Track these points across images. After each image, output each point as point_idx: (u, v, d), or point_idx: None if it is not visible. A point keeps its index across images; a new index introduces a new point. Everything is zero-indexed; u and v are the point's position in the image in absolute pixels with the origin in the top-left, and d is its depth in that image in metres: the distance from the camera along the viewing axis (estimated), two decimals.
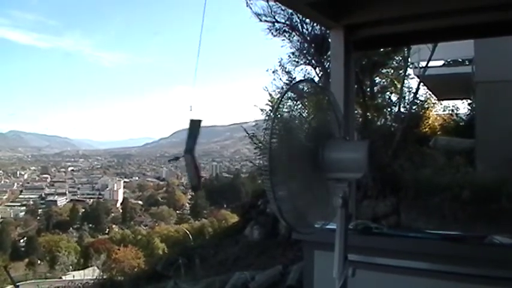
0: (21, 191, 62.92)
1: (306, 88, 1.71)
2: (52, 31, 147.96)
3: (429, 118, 10.74)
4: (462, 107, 11.76)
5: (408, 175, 6.44)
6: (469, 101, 10.96)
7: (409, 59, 9.16)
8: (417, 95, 9.52)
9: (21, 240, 44.42)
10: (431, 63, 8.68)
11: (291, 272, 5.38)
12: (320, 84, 7.04)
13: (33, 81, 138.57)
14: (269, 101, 9.69)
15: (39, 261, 36.33)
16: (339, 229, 1.59)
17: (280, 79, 9.59)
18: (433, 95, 11.80)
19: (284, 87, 9.06)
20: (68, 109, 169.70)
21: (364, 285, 1.83)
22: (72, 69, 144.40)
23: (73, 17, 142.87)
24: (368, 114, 8.79)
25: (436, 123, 11.15)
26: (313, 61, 8.94)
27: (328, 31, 3.90)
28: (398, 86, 9.25)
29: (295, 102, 1.57)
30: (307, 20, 8.14)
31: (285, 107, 1.53)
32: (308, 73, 9.39)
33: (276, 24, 8.71)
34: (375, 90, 9.50)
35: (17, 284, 14.89)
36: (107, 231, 48.54)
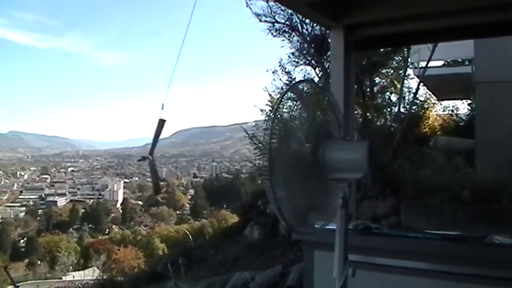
0: (21, 192, 62.92)
1: (305, 88, 1.71)
2: (52, 31, 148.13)
3: (429, 118, 10.76)
4: (462, 107, 11.79)
5: (408, 175, 6.44)
6: (469, 101, 10.96)
7: (409, 59, 9.16)
8: (417, 95, 9.55)
9: (21, 241, 44.42)
10: (431, 64, 8.69)
11: (291, 272, 5.38)
12: (320, 84, 7.03)
13: (34, 81, 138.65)
14: (269, 101, 9.71)
15: (39, 262, 36.30)
16: (339, 229, 1.59)
17: (280, 79, 9.62)
18: (433, 95, 11.81)
19: (284, 87, 9.06)
20: (68, 109, 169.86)
21: (364, 286, 1.83)
22: (72, 70, 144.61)
23: (73, 17, 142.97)
24: (368, 114, 8.80)
25: (436, 124, 11.16)
26: (313, 61, 8.95)
27: (328, 31, 3.90)
28: (398, 86, 9.26)
29: (295, 102, 1.57)
30: (307, 20, 8.15)
31: (284, 107, 1.53)
32: (308, 73, 9.42)
33: (275, 24, 8.73)
34: (375, 91, 9.52)
35: (17, 284, 14.90)
36: (106, 232, 48.53)
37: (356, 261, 1.66)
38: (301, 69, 9.52)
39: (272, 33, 8.85)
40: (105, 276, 10.29)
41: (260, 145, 8.75)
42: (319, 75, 8.79)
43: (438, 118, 11.56)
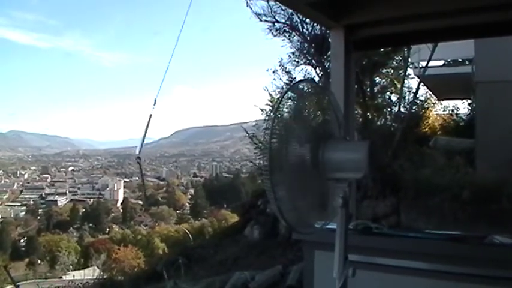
0: (22, 191, 62.93)
1: (306, 88, 1.71)
2: (52, 31, 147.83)
3: (429, 118, 10.76)
4: (462, 107, 11.78)
5: (408, 175, 6.44)
6: (469, 101, 10.96)
7: (409, 59, 9.16)
8: (417, 95, 9.54)
9: (22, 240, 44.46)
10: (431, 63, 8.69)
11: (291, 272, 5.38)
12: (320, 84, 7.04)
13: (34, 81, 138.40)
14: (269, 101, 9.71)
15: (39, 261, 36.39)
16: (339, 229, 1.59)
17: (280, 79, 9.61)
18: (433, 95, 11.81)
19: (284, 87, 9.07)
20: (68, 109, 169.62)
21: (364, 286, 1.83)
22: (72, 69, 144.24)
23: (73, 17, 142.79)
24: (368, 114, 8.80)
25: (436, 123, 11.16)
26: (313, 61, 8.94)
27: (328, 31, 3.90)
28: (399, 86, 9.25)
29: (295, 102, 1.57)
30: (308, 20, 8.15)
31: (285, 107, 1.53)
32: (308, 73, 9.41)
33: (276, 24, 8.72)
34: (375, 90, 9.51)
35: (17, 283, 14.90)
36: (107, 231, 48.58)
37: (356, 261, 1.67)
38: (302, 69, 9.52)
39: (272, 33, 8.85)
40: (105, 275, 10.28)
41: (260, 145, 8.75)
42: (320, 75, 8.78)
43: (438, 118, 11.56)
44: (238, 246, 7.59)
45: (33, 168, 72.54)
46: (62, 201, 59.26)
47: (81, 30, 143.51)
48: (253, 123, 10.31)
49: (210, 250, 7.89)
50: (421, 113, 10.19)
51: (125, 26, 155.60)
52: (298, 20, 8.44)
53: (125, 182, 65.49)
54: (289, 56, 9.41)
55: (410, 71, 9.91)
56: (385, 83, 9.84)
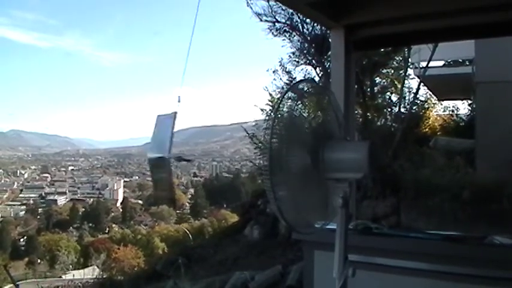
0: (22, 190, 62.93)
1: (306, 88, 1.71)
2: (52, 31, 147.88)
3: (429, 118, 10.76)
4: (462, 107, 11.80)
5: (408, 175, 6.43)
6: (469, 102, 10.97)
7: (410, 59, 9.15)
8: (417, 95, 9.54)
9: (21, 240, 44.45)
10: (431, 64, 8.68)
11: (291, 272, 5.38)
12: (320, 84, 7.03)
13: (34, 80, 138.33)
14: (269, 100, 9.70)
15: (39, 261, 36.37)
16: (339, 229, 1.59)
17: (281, 79, 9.60)
18: (433, 95, 11.81)
19: (284, 87, 9.06)
20: (68, 108, 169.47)
21: (364, 286, 1.83)
22: (73, 69, 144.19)
23: (73, 16, 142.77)
24: (368, 114, 8.79)
25: (436, 124, 11.16)
26: (313, 61, 8.93)
27: (328, 31, 3.90)
28: (399, 86, 9.25)
29: (295, 102, 1.57)
30: (308, 20, 8.14)
31: (285, 106, 1.53)
32: (308, 73, 9.39)
33: (276, 24, 8.71)
34: (375, 91, 9.50)
35: (17, 283, 14.91)
36: (106, 231, 48.57)
37: (356, 261, 1.67)
38: (302, 69, 9.51)
39: (273, 33, 8.84)
40: (105, 275, 10.26)
41: (260, 144, 8.74)
42: (320, 75, 8.78)
43: (438, 118, 11.57)
44: (238, 246, 7.58)
45: (33, 167, 72.55)
46: (61, 200, 59.26)
47: (81, 30, 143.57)
48: (253, 123, 10.30)
49: (209, 250, 7.88)
50: (421, 113, 10.19)
51: (124, 26, 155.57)
52: (299, 20, 8.44)
53: (124, 181, 65.52)
54: (289, 56, 9.41)
55: (410, 71, 9.92)
56: (385, 83, 9.83)
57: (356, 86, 6.92)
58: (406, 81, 9.22)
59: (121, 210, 56.16)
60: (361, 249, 2.17)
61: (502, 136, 6.66)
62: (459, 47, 8.88)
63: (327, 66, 8.00)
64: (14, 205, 57.80)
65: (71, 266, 28.93)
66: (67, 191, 62.86)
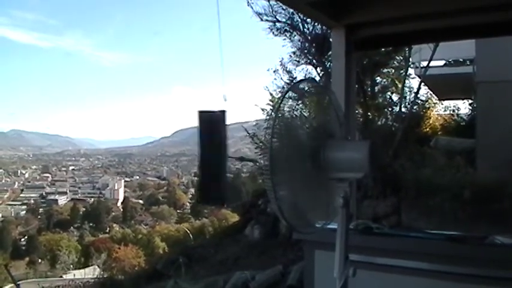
0: (22, 190, 62.95)
1: (307, 87, 1.70)
2: (53, 31, 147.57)
3: (430, 118, 10.75)
4: (463, 107, 11.77)
5: (409, 175, 6.43)
6: (470, 101, 10.95)
7: (410, 59, 9.15)
8: (418, 95, 9.56)
9: (22, 239, 44.46)
10: (432, 63, 8.68)
11: (292, 271, 5.38)
12: (321, 83, 7.03)
13: (34, 80, 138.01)
14: (270, 100, 9.70)
15: (39, 260, 36.38)
16: (340, 229, 1.59)
17: (281, 79, 9.60)
18: (434, 95, 11.79)
19: (285, 86, 9.06)
20: (69, 108, 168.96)
21: (364, 285, 1.83)
22: (73, 69, 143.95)
23: (73, 16, 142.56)
24: (369, 114, 8.80)
25: (437, 123, 11.15)
26: (314, 61, 8.94)
27: (329, 31, 3.90)
28: (399, 85, 9.26)
29: (296, 101, 1.57)
30: (308, 20, 8.14)
31: (286, 106, 1.53)
32: (309, 73, 9.39)
33: (277, 23, 8.73)
34: (376, 90, 9.51)
35: (18, 282, 14.93)
36: (107, 230, 48.55)
37: (357, 261, 1.66)
38: (302, 69, 9.52)
39: (273, 33, 8.85)
40: (106, 274, 10.28)
41: (261, 144, 8.74)
42: (320, 75, 8.78)
43: (439, 118, 11.55)
44: (239, 246, 7.58)
45: (34, 167, 72.55)
46: (62, 200, 59.26)
47: (81, 30, 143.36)
48: (254, 123, 10.31)
49: (210, 250, 7.89)
50: (422, 113, 10.19)
51: (124, 26, 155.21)
52: (299, 20, 8.44)
53: (125, 181, 65.52)
54: (290, 55, 9.42)
55: (411, 70, 9.92)
56: (386, 82, 9.84)
57: (357, 86, 6.93)
58: (406, 81, 9.25)
59: (122, 209, 56.15)
60: (361, 249, 2.16)
61: (503, 136, 6.65)
62: (460, 47, 8.87)
63: (327, 65, 8.00)
64: (14, 205, 57.81)
65: (71, 266, 28.99)
66: (68, 191, 62.85)
